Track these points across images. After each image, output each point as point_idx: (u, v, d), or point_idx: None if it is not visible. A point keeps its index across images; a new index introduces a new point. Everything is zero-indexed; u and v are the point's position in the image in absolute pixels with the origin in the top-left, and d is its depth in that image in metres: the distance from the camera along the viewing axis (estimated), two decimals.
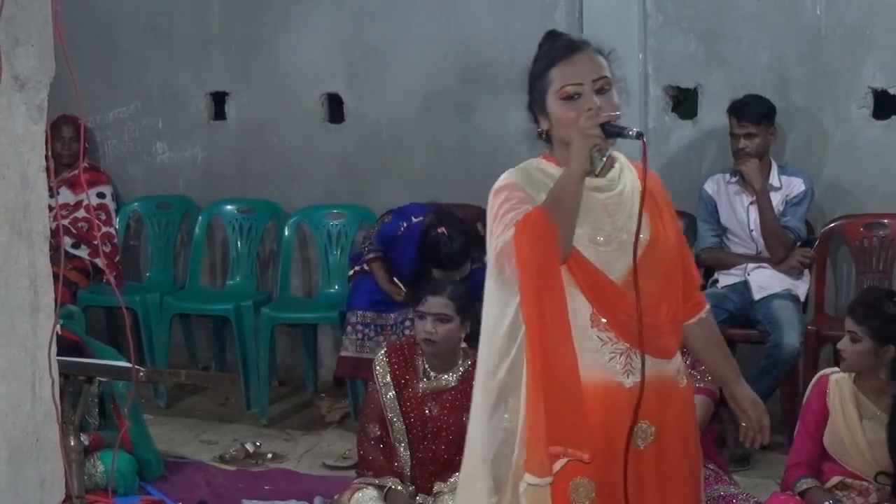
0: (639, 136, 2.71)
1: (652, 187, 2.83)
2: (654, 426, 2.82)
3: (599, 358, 2.77)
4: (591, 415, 2.72)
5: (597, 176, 2.78)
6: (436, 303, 4.31)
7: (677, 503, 2.90)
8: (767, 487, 4.41)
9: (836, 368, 4.15)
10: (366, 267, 5.64)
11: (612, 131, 2.73)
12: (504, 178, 2.85)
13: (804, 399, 4.19)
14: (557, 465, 2.73)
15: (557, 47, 2.84)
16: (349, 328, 5.55)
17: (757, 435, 3.00)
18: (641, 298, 2.73)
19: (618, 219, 2.81)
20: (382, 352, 4.46)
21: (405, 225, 5.57)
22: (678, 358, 2.92)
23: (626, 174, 2.88)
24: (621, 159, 2.89)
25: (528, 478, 2.71)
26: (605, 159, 2.75)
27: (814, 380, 4.18)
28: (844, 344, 4.00)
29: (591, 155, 2.71)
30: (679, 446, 2.89)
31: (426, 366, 4.37)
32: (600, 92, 2.77)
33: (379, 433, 4.39)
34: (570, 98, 2.78)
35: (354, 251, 5.99)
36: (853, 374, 4.06)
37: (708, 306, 3.00)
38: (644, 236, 2.77)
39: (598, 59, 2.80)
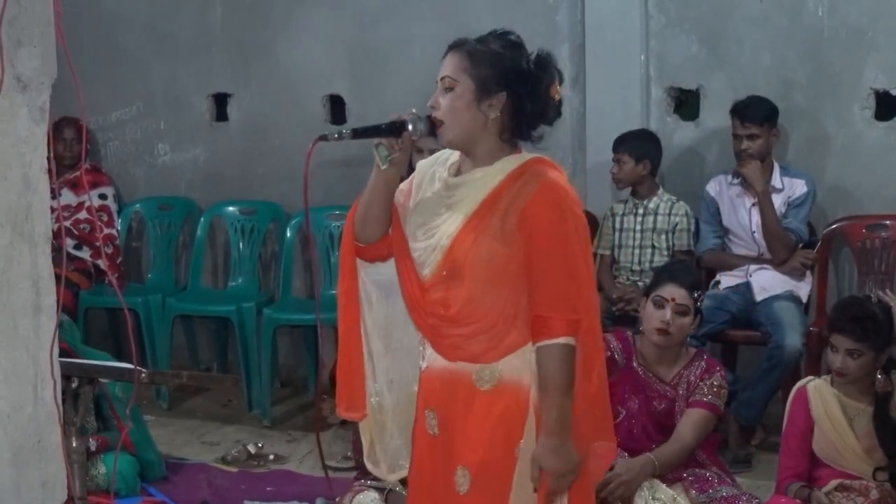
0: (353, 135, 2.92)
1: (521, 204, 2.82)
2: (437, 417, 2.97)
3: (416, 340, 3.05)
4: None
5: (455, 175, 2.94)
6: None
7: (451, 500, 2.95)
8: (769, 488, 4.40)
9: (811, 377, 4.17)
10: None
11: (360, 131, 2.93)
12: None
13: (786, 415, 4.18)
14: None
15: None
16: None
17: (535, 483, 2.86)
18: (438, 300, 2.89)
19: (446, 219, 2.89)
20: None
21: None
22: (487, 365, 2.88)
23: (494, 181, 2.86)
24: (532, 171, 2.86)
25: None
26: (391, 156, 2.90)
27: (792, 394, 4.18)
28: (844, 363, 3.98)
29: (375, 150, 2.90)
30: (464, 448, 2.91)
31: None
32: (447, 90, 2.89)
33: None
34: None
35: None
36: (831, 378, 4.07)
37: (554, 341, 2.79)
38: (444, 242, 2.86)
39: (455, 57, 2.88)
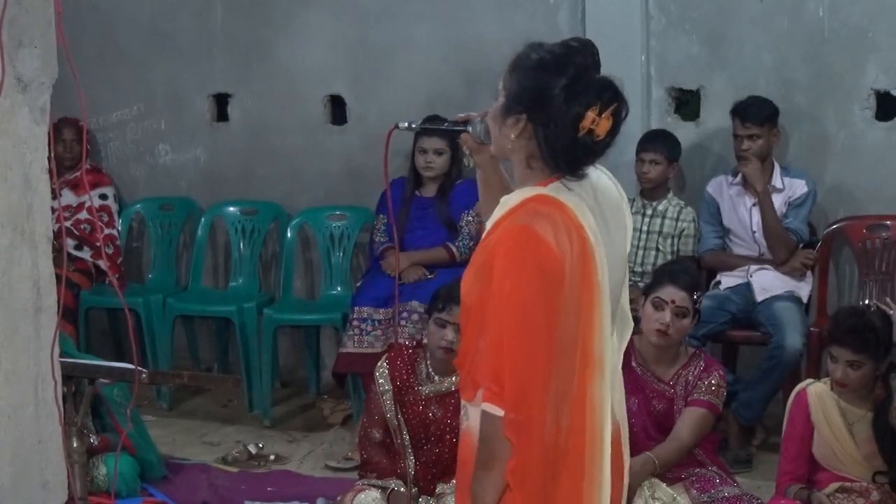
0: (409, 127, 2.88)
1: (490, 230, 2.56)
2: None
3: None
4: None
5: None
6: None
7: None
8: (769, 489, 4.40)
9: (811, 380, 4.17)
10: (380, 261, 5.79)
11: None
12: None
13: (786, 418, 4.17)
14: None
15: None
16: (349, 325, 5.58)
17: None
18: (461, 333, 2.62)
19: None
20: (384, 359, 4.44)
21: (384, 218, 5.86)
22: (465, 402, 2.61)
23: (498, 214, 2.55)
24: (522, 210, 2.51)
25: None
26: (467, 159, 2.82)
27: (792, 397, 4.17)
28: (844, 374, 3.97)
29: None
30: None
31: (429, 370, 4.36)
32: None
33: (381, 437, 4.39)
34: None
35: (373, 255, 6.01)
36: (830, 383, 4.07)
37: (478, 404, 2.49)
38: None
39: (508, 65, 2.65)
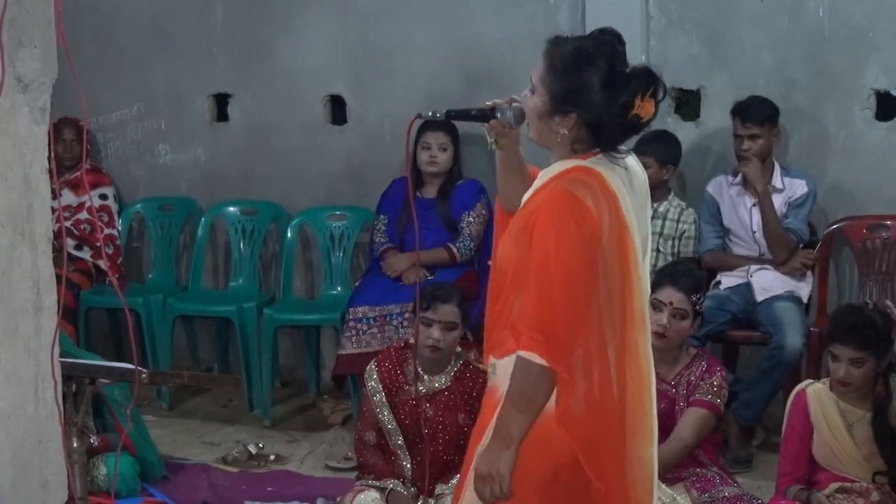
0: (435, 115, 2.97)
1: (533, 208, 2.79)
2: None
3: None
4: None
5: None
6: (446, 311, 4.29)
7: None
8: (769, 489, 4.40)
9: (811, 380, 4.16)
10: (380, 261, 5.79)
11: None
12: None
13: (785, 419, 4.17)
14: None
15: None
16: (346, 327, 5.58)
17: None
18: (490, 298, 2.88)
19: None
20: (373, 362, 4.45)
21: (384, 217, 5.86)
22: (493, 362, 2.90)
23: (539, 182, 2.86)
24: (563, 178, 2.79)
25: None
26: (492, 141, 2.93)
27: (791, 397, 4.17)
28: (847, 372, 3.97)
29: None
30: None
31: (419, 369, 4.36)
32: (531, 91, 2.87)
33: (376, 440, 4.39)
34: None
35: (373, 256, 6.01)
36: (829, 382, 4.06)
37: (516, 352, 2.74)
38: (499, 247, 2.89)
39: (542, 64, 2.85)
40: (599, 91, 2.74)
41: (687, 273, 4.36)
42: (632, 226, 2.79)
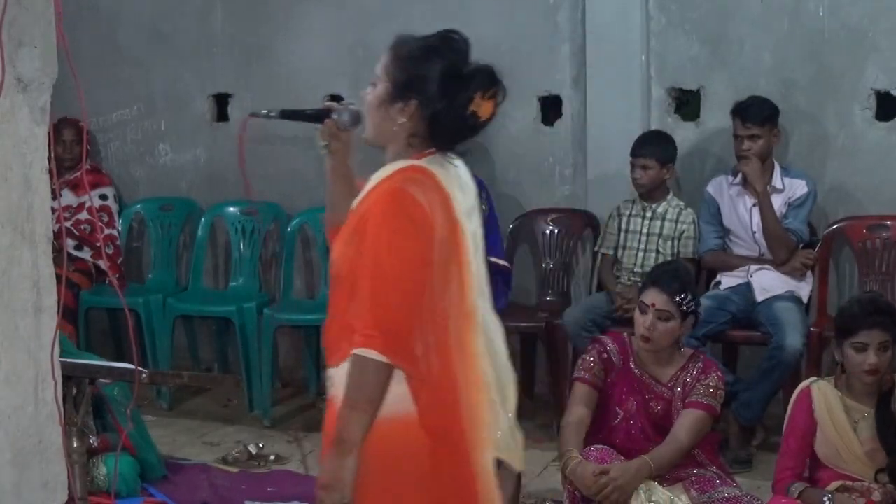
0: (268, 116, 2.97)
1: (361, 201, 2.76)
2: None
3: None
4: None
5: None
6: None
7: None
8: (769, 489, 4.39)
9: (814, 378, 4.14)
10: None
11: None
12: None
13: (788, 415, 4.14)
14: None
15: None
16: None
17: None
18: (329, 309, 2.79)
19: None
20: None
21: None
22: (330, 373, 2.77)
23: (370, 185, 2.78)
24: (394, 178, 2.75)
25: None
26: (324, 144, 2.92)
27: (795, 394, 4.12)
28: (878, 358, 3.90)
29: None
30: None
31: None
32: (372, 86, 2.85)
33: None
34: None
35: None
36: (835, 380, 4.05)
37: (353, 351, 2.63)
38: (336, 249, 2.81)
39: (385, 56, 2.84)
40: (440, 81, 2.73)
41: (672, 274, 4.25)
42: (463, 224, 2.76)
